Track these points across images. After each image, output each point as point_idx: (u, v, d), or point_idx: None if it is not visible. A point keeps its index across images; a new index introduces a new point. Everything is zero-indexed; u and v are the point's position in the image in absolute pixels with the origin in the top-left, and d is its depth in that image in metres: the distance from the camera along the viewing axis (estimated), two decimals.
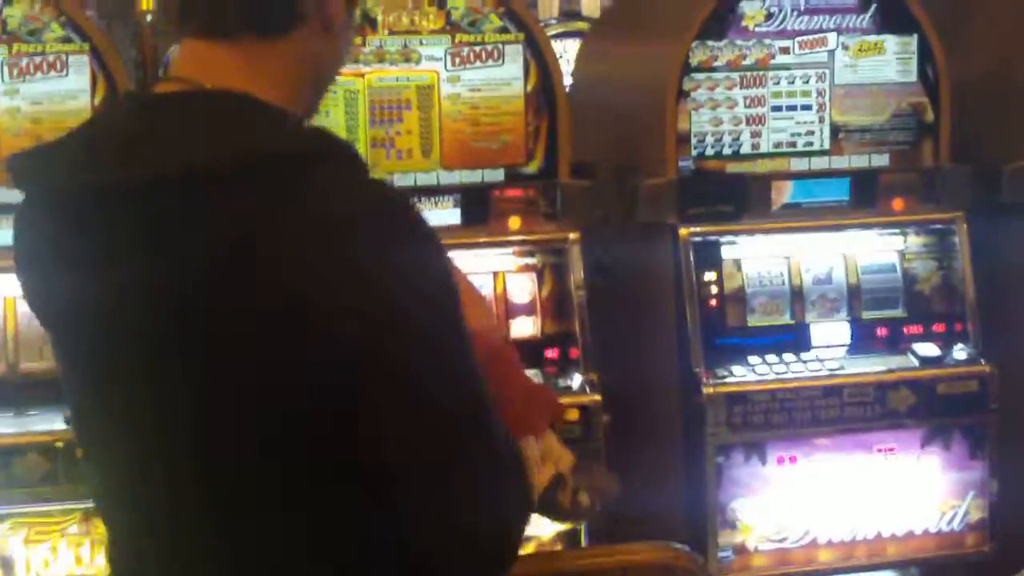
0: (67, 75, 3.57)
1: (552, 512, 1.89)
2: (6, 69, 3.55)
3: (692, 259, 3.85)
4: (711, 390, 3.77)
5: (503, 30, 3.81)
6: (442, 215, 3.81)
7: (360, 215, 1.49)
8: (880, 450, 3.90)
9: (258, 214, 1.47)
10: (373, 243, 1.47)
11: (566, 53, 6.34)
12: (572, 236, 3.83)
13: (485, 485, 1.54)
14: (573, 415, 3.66)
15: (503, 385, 1.73)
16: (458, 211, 3.83)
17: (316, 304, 1.46)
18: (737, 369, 3.83)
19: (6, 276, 3.35)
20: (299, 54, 1.63)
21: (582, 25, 7.56)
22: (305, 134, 1.60)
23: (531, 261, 3.86)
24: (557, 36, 8.01)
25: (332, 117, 3.72)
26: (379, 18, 3.73)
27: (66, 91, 3.58)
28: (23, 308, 3.54)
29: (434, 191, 3.81)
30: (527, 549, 3.61)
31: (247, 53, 1.60)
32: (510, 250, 3.83)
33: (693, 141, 3.92)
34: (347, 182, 1.54)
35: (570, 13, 8.49)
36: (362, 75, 3.74)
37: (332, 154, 1.55)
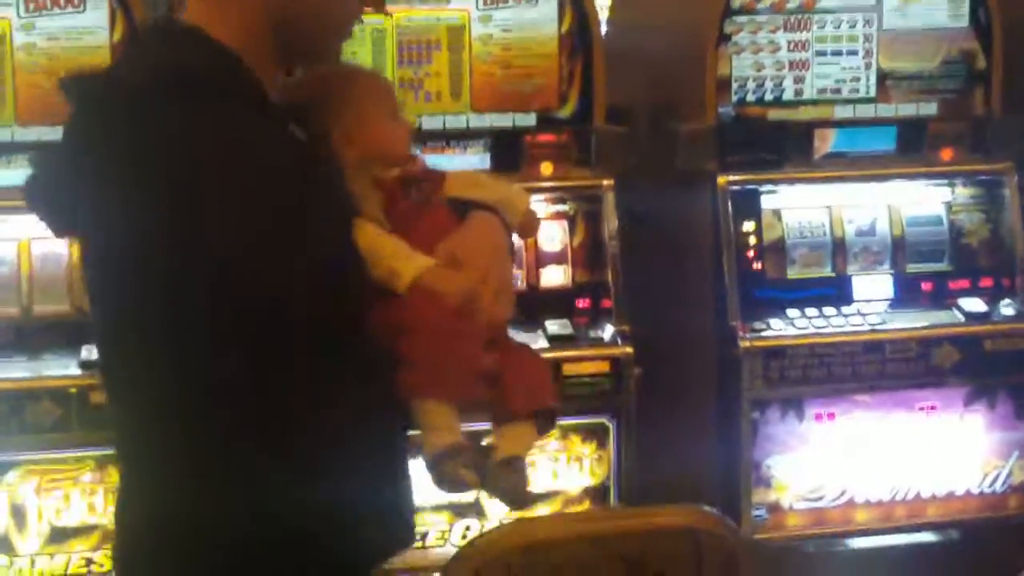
0: (84, 10, 3.45)
1: (434, 477, 1.85)
2: (22, 3, 3.43)
3: (731, 208, 3.71)
4: (748, 344, 3.63)
5: None
6: (471, 159, 3.68)
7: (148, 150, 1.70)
8: (922, 408, 3.76)
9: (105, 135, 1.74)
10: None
11: None
12: (606, 183, 3.69)
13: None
14: (603, 367, 3.54)
15: (418, 345, 1.80)
16: (488, 156, 3.69)
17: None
18: (775, 322, 3.70)
19: (21, 217, 3.33)
20: (261, 7, 1.83)
21: None
22: (168, 65, 1.77)
23: (563, 208, 3.73)
24: None
25: (358, 56, 3.59)
26: None
27: (83, 27, 3.46)
28: (39, 250, 3.45)
29: (463, 135, 3.67)
30: (552, 506, 3.51)
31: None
32: (542, 196, 3.69)
33: (734, 86, 3.77)
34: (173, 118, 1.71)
35: None
36: (390, 14, 3.60)
37: (176, 87, 1.72)
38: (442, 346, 1.83)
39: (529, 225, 2.06)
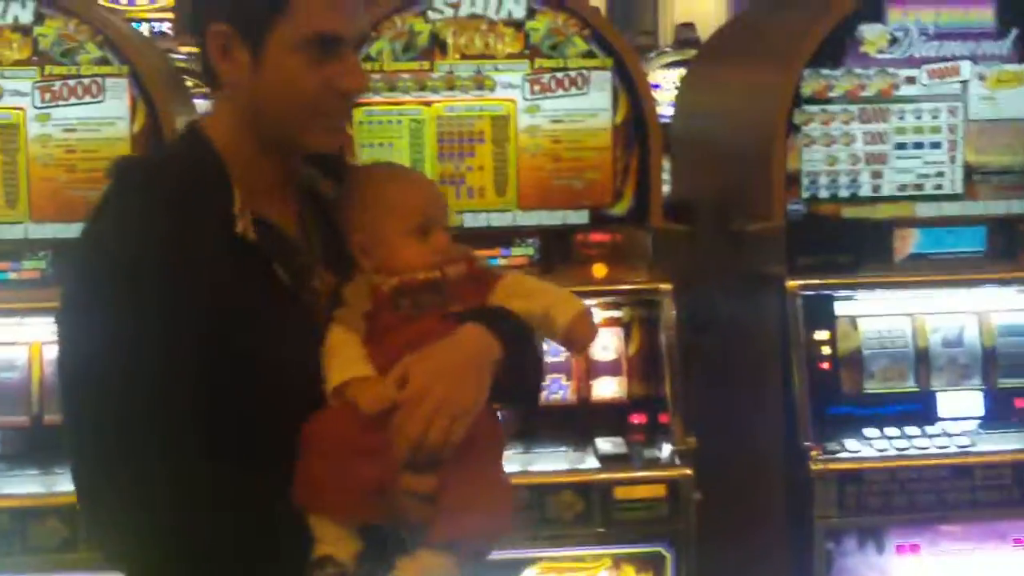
0: (103, 100, 3.23)
1: None
2: (37, 92, 3.22)
3: (802, 315, 3.38)
4: (821, 466, 3.28)
5: (589, 54, 3.39)
6: (518, 261, 3.40)
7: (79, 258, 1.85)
8: (1017, 541, 3.37)
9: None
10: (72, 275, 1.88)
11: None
12: (664, 287, 3.38)
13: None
14: (660, 490, 3.20)
15: (309, 458, 1.83)
16: (536, 256, 3.41)
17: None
18: (851, 443, 3.34)
19: (34, 319, 3.11)
20: (237, 99, 1.92)
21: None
22: (130, 163, 2.05)
23: (617, 314, 3.42)
24: (672, 65, 7.59)
25: (396, 148, 3.34)
26: (449, 40, 3.34)
27: (102, 117, 3.24)
28: (50, 354, 3.20)
29: (509, 234, 3.40)
30: None
31: (215, 98, 1.99)
32: (594, 301, 3.35)
33: (804, 182, 3.46)
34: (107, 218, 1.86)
35: (686, 40, 8.06)
36: (429, 104, 3.35)
37: (116, 186, 1.89)
38: (330, 462, 1.82)
39: (575, 336, 1.97)
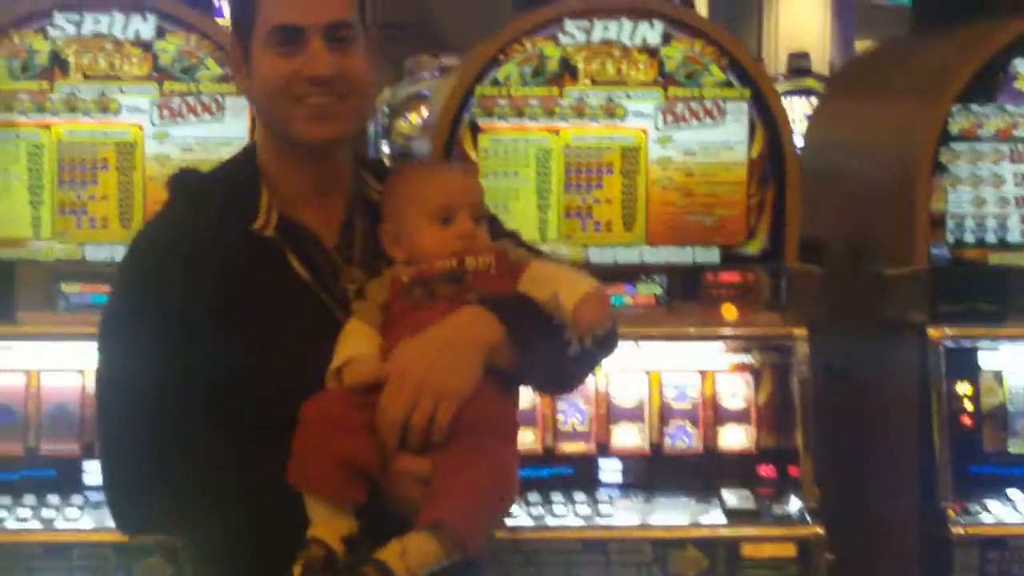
0: (223, 119, 3.13)
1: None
2: (156, 110, 3.12)
3: (944, 367, 3.20)
4: (961, 530, 3.09)
5: (726, 84, 3.23)
6: (644, 299, 3.24)
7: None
8: None
9: None
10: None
11: (792, 113, 5.70)
12: (798, 331, 3.20)
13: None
14: (789, 550, 3.02)
15: (298, 435, 1.86)
16: (663, 295, 3.25)
17: None
18: (994, 505, 3.15)
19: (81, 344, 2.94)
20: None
21: (811, 83, 6.93)
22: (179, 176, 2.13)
23: (747, 359, 3.25)
24: (784, 94, 7.39)
25: (522, 177, 3.20)
26: (580, 66, 3.19)
27: (220, 137, 3.14)
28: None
29: (636, 271, 3.25)
30: None
31: None
32: (723, 345, 3.25)
33: (949, 224, 3.28)
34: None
35: (799, 70, 7.84)
36: (558, 131, 3.20)
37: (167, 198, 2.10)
38: (311, 438, 1.84)
39: (580, 318, 1.91)
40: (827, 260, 3.38)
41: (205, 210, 2.00)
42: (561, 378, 2.11)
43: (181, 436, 1.92)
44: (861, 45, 18.71)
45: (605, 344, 2.07)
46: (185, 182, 2.09)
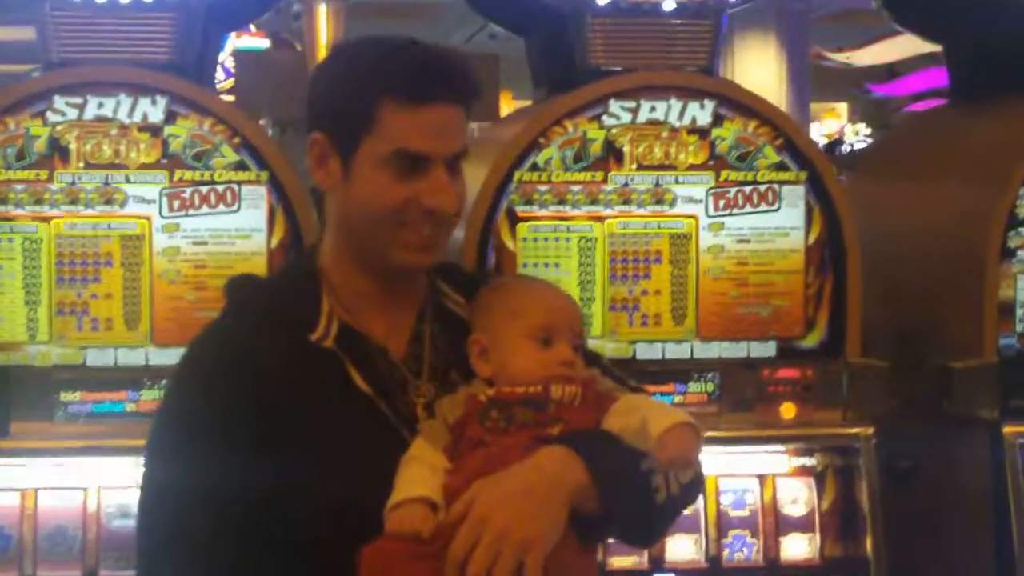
0: (238, 209, 2.87)
1: None
2: (165, 200, 2.85)
3: (1021, 465, 2.96)
4: None
5: (780, 167, 3.01)
6: (696, 398, 2.99)
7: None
8: None
9: None
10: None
11: None
12: (864, 431, 2.97)
13: None
14: None
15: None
16: (717, 393, 3.01)
17: None
18: None
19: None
20: (332, 211, 1.95)
21: None
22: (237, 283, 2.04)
23: (809, 462, 3.01)
24: None
25: (563, 268, 2.95)
26: (626, 149, 2.96)
27: (237, 229, 2.87)
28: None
29: (687, 367, 3.01)
30: None
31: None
32: (783, 447, 3.01)
33: (1019, 313, 3.05)
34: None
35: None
36: (602, 219, 2.96)
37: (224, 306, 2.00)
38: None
39: (666, 444, 1.77)
40: (881, 352, 3.15)
41: (263, 320, 1.91)
42: (643, 529, 1.93)
43: (231, 563, 1.80)
44: (816, 108, 18.82)
45: (690, 492, 1.92)
46: (241, 289, 2.01)
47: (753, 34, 14.51)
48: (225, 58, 13.12)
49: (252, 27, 13.60)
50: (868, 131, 19.13)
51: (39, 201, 2.82)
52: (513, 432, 1.82)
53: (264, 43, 13.02)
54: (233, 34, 13.38)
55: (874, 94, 17.80)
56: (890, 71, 17.38)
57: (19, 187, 2.81)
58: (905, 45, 15.18)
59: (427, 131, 1.84)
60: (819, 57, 17.23)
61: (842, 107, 22.45)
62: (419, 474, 1.79)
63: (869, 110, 20.54)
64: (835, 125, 20.28)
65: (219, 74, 13.38)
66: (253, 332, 1.89)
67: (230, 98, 12.13)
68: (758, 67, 15.75)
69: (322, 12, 13.10)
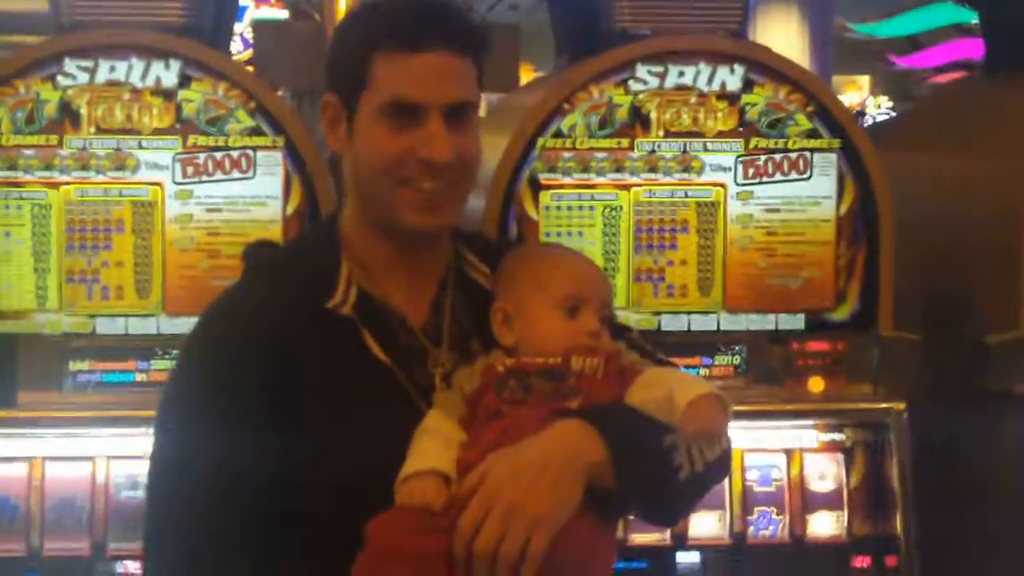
0: (253, 176, 2.79)
1: None
2: (178, 166, 2.77)
3: None
4: None
5: (812, 133, 2.92)
6: (722, 371, 2.91)
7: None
8: None
9: None
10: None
11: None
12: (895, 406, 2.90)
13: None
14: None
15: (359, 560, 1.69)
16: (743, 367, 2.93)
17: None
18: None
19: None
20: (347, 174, 1.89)
21: None
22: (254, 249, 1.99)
23: (838, 437, 2.93)
24: None
25: (587, 238, 2.87)
26: (652, 115, 2.87)
27: (252, 196, 2.79)
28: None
29: (713, 340, 2.93)
30: None
31: None
32: (811, 422, 2.92)
33: None
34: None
35: None
36: (627, 187, 2.87)
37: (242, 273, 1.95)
38: (379, 564, 1.67)
39: (693, 415, 1.71)
40: (911, 325, 3.06)
41: (279, 286, 1.85)
42: (665, 506, 1.87)
43: (242, 536, 1.75)
44: (838, 81, 18.64)
45: (716, 469, 1.83)
46: (259, 255, 1.96)
47: (776, 5, 14.35)
48: (244, 29, 13.14)
49: None
50: (890, 104, 18.98)
51: (49, 167, 2.74)
52: (531, 404, 1.76)
53: (283, 13, 12.94)
54: (252, 4, 13.47)
55: (898, 66, 17.63)
56: (913, 43, 17.22)
57: (28, 152, 2.74)
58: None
59: (420, 79, 1.78)
60: (842, 29, 17.06)
61: (864, 80, 22.26)
62: (432, 446, 1.74)
63: (891, 83, 20.38)
64: (857, 98, 20.08)
65: (238, 45, 13.44)
66: (268, 298, 1.84)
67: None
68: (780, 39, 15.59)
69: None
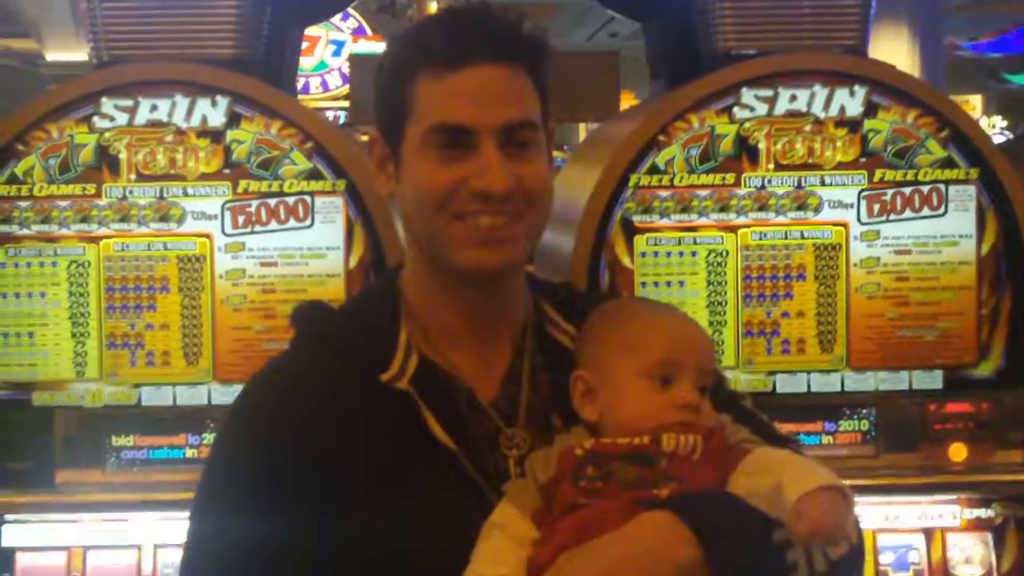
0: (312, 224, 2.50)
1: None
2: (228, 215, 2.49)
3: None
4: None
5: (947, 163, 2.56)
6: (848, 438, 2.55)
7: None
8: None
9: None
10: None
11: None
12: None
13: None
14: None
15: None
16: (873, 432, 2.57)
17: None
18: None
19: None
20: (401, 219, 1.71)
21: None
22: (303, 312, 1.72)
23: (985, 513, 2.59)
24: None
25: (689, 287, 2.53)
26: (761, 145, 2.53)
27: (310, 247, 2.51)
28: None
29: (837, 402, 2.58)
30: None
31: None
32: (953, 496, 2.58)
33: None
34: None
35: None
36: (733, 229, 2.53)
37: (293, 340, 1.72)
38: None
39: (805, 514, 1.39)
40: None
41: (328, 356, 1.63)
42: None
43: None
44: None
45: (844, 568, 1.51)
46: (309, 319, 1.71)
47: (885, 25, 13.89)
48: (342, 64, 13.07)
49: (369, 31, 13.49)
50: (1005, 123, 18.46)
51: (86, 219, 2.49)
52: (612, 493, 1.51)
53: (381, 47, 12.81)
54: (350, 38, 13.39)
55: (1013, 84, 17.07)
56: None
57: (63, 203, 2.48)
58: None
59: (465, 98, 1.54)
60: (953, 48, 16.55)
61: (976, 99, 21.69)
62: (500, 546, 1.53)
63: (1005, 101, 19.82)
64: None
65: (336, 79, 13.37)
66: (313, 370, 1.62)
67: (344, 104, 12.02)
68: (891, 59, 15.15)
69: (434, 10, 12.85)
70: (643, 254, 2.53)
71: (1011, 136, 14.17)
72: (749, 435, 1.58)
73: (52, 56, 13.01)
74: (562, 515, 1.51)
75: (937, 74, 15.29)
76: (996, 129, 18.22)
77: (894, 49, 14.02)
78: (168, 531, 2.46)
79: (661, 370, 1.57)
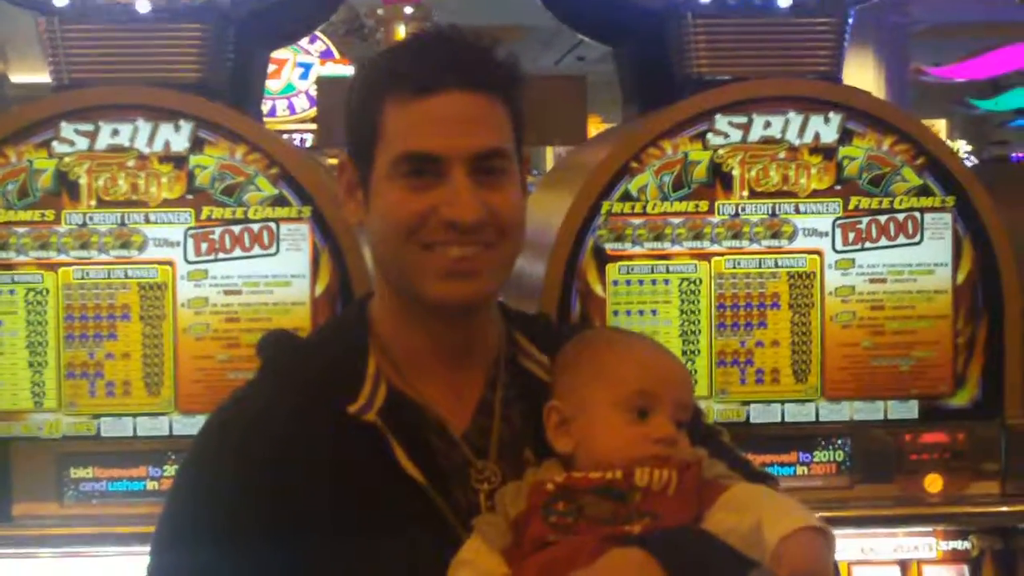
0: (276, 251, 2.44)
1: None
2: (191, 242, 2.43)
3: None
4: None
5: (923, 191, 2.53)
6: (823, 469, 2.52)
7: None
8: None
9: None
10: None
11: None
12: None
13: None
14: None
15: None
16: (848, 464, 2.54)
17: None
18: None
19: None
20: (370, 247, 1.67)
21: None
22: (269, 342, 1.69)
23: (962, 545, 2.55)
24: None
25: (662, 316, 2.49)
26: (735, 172, 2.49)
27: (275, 275, 2.45)
28: None
29: (812, 433, 2.55)
30: None
31: None
32: (929, 528, 2.55)
33: None
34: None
35: None
36: (707, 256, 2.49)
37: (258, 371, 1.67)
38: None
39: (786, 557, 1.36)
40: None
41: (292, 387, 1.58)
42: None
43: None
44: None
45: None
46: (275, 349, 1.67)
47: (851, 50, 13.97)
48: (309, 86, 13.02)
49: (337, 54, 13.45)
50: (969, 148, 18.58)
51: (45, 246, 2.43)
52: (583, 529, 1.47)
53: (349, 69, 12.75)
54: (317, 61, 13.34)
55: (979, 110, 17.20)
56: (994, 86, 16.80)
57: (21, 230, 2.42)
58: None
59: (434, 125, 1.51)
60: (918, 72, 16.66)
61: (940, 124, 21.86)
62: None
63: (969, 126, 19.97)
64: None
65: (303, 102, 13.31)
66: (277, 402, 1.58)
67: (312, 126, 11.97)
68: (857, 83, 15.22)
69: (402, 35, 12.82)
70: (615, 282, 2.49)
71: (976, 161, 14.26)
72: (726, 470, 1.55)
73: (17, 78, 12.90)
74: (532, 551, 1.47)
75: (903, 99, 15.40)
76: (961, 154, 18.34)
77: (860, 74, 14.10)
78: (128, 566, 2.39)
79: (638, 401, 1.54)
